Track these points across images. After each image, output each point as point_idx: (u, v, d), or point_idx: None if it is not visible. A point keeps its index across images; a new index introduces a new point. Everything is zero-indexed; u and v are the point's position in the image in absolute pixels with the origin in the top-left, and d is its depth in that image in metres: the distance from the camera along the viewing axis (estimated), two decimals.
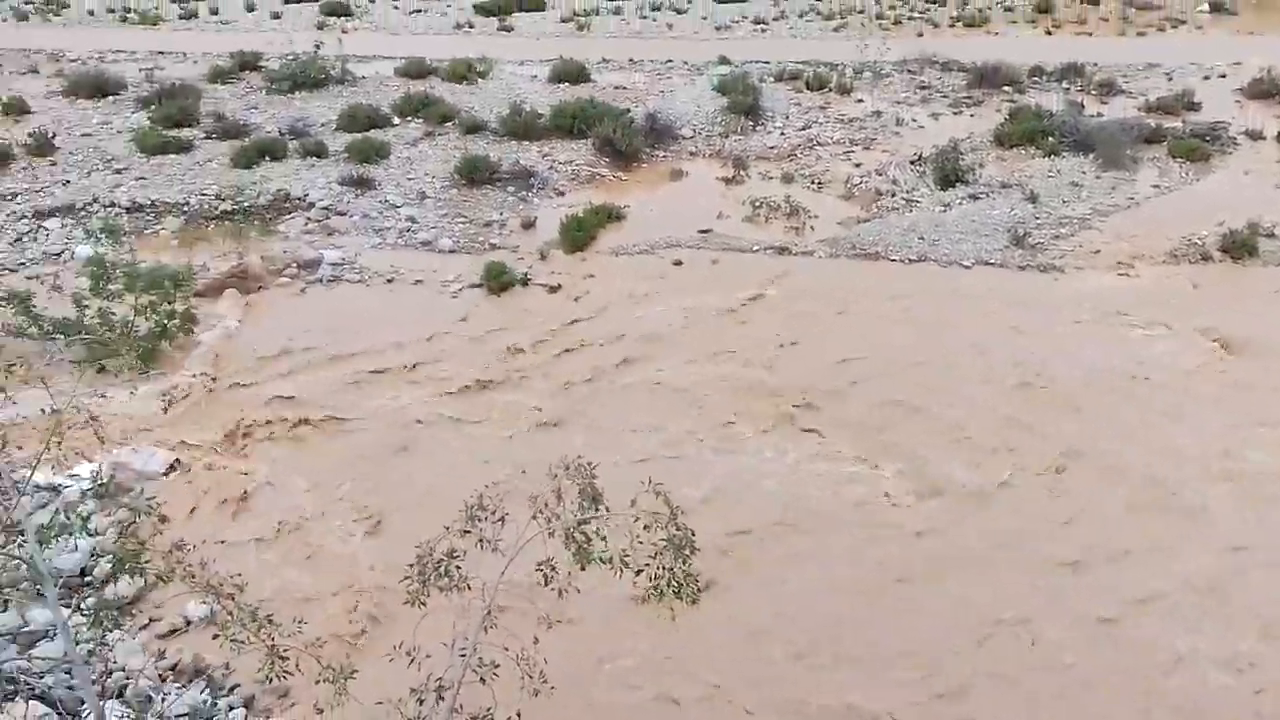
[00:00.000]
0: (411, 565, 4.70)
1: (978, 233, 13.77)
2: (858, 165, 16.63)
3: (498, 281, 12.69)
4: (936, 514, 8.10)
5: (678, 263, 13.39)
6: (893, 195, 15.29)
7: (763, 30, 26.99)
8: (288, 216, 14.99)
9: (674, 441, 9.25)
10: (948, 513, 8.12)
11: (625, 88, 20.82)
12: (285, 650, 4.49)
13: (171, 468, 8.86)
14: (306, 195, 15.44)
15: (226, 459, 9.09)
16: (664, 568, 4.76)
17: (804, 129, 18.40)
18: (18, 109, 18.55)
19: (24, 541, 4.11)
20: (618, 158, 17.05)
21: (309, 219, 14.86)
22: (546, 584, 4.78)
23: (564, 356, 10.97)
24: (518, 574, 4.98)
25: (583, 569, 4.79)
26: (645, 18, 27.62)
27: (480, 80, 21.16)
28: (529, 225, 14.66)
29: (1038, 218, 14.14)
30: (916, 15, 29.06)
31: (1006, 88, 20.17)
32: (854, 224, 14.43)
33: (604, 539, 4.74)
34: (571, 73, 21.20)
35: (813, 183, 16.03)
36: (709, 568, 6.35)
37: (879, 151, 17.26)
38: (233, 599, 4.31)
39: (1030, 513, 8.09)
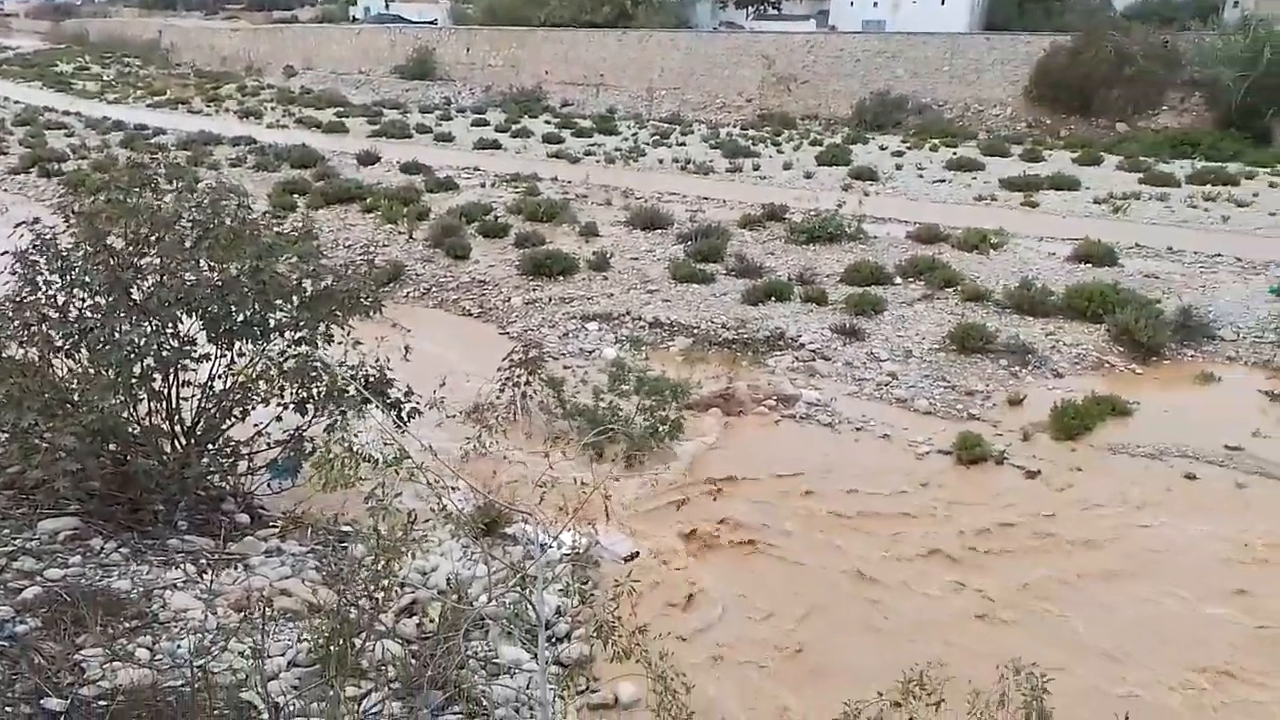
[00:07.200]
0: None
1: None
2: None
3: (970, 453, 12.13)
4: None
5: (1190, 476, 11.61)
6: None
7: None
8: (778, 353, 15.99)
9: (1149, 684, 7.85)
10: None
11: (1157, 277, 18.97)
12: None
13: (632, 555, 9.74)
14: (799, 337, 16.37)
15: (678, 560, 9.76)
16: None
17: None
18: (590, 232, 22.63)
19: (532, 588, 4.81)
20: (1135, 349, 15.47)
21: (796, 358, 15.70)
22: None
23: (1030, 550, 10.03)
24: None
25: None
26: (1195, 208, 25.13)
27: (992, 251, 20.85)
28: (1016, 402, 13.85)
29: None
30: None
31: None
32: None
33: None
34: (1096, 255, 19.90)
35: None
36: None
37: None
38: (675, 694, 4.54)
39: None
